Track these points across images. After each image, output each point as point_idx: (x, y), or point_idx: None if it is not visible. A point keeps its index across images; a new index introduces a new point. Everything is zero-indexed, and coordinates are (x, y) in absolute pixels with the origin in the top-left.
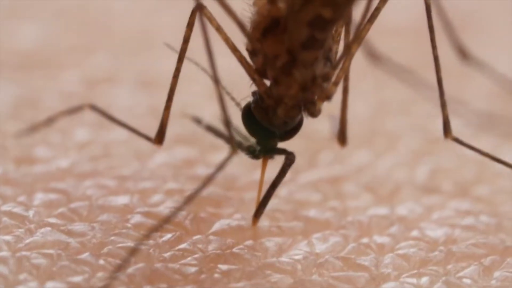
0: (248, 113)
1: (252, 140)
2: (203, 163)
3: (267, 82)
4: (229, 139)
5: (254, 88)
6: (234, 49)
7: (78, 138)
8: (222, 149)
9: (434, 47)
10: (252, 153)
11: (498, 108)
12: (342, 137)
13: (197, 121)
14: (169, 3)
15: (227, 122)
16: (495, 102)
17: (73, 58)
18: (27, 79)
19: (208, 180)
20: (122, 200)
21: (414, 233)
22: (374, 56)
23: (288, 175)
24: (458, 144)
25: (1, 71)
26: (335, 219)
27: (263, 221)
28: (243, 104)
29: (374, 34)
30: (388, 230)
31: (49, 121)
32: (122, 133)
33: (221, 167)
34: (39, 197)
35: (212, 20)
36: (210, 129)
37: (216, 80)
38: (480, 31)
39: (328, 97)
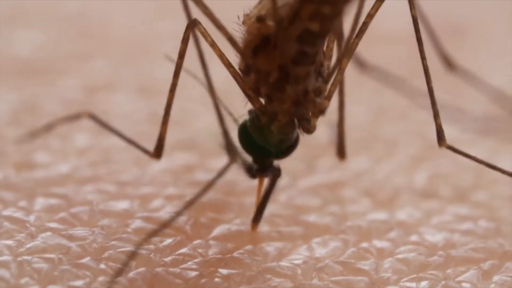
0: (244, 132)
1: (249, 159)
2: (202, 169)
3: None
4: (229, 150)
5: (250, 106)
6: (229, 65)
7: (78, 143)
8: (221, 155)
9: (423, 58)
10: (249, 171)
11: (494, 114)
12: (341, 151)
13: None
14: (167, 10)
15: (225, 132)
16: (492, 108)
17: (72, 65)
18: (27, 85)
19: (207, 187)
20: (122, 205)
21: (413, 237)
22: (361, 64)
23: (288, 180)
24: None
25: (1, 77)
26: (334, 224)
27: (263, 226)
28: (240, 121)
29: (369, 43)
30: (388, 235)
31: (48, 127)
32: None
33: (220, 174)
34: (40, 202)
35: (206, 36)
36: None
37: (212, 95)
38: (476, 37)
39: (321, 111)
